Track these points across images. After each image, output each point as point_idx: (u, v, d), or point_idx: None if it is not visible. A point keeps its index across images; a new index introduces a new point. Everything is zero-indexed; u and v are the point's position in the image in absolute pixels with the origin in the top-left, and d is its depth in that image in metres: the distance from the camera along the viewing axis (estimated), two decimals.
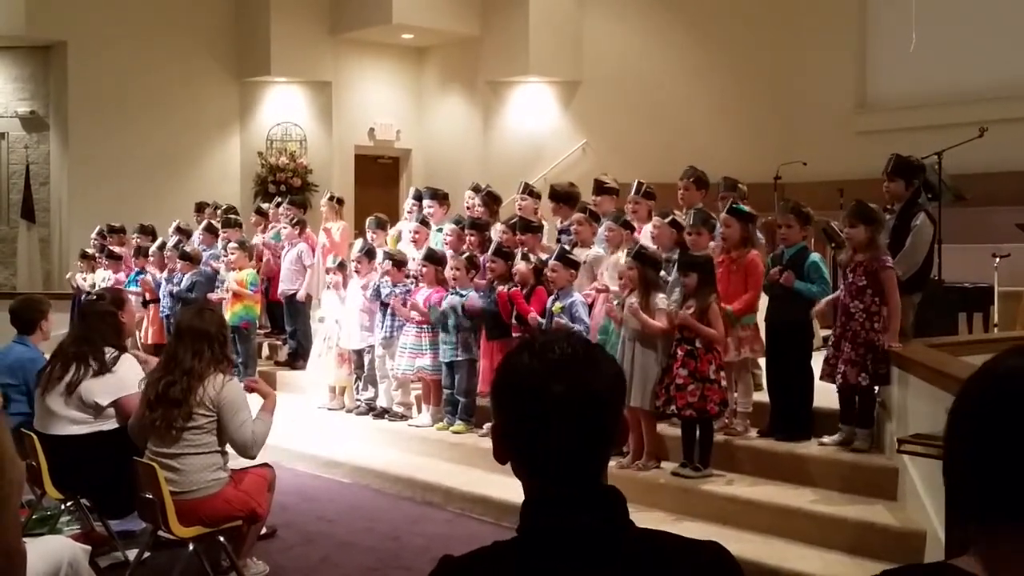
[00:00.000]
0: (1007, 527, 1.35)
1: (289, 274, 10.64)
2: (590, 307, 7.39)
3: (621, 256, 7.15)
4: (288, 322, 10.89)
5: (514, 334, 7.51)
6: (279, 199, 12.18)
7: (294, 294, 10.63)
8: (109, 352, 5.74)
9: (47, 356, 6.57)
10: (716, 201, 8.00)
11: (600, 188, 8.44)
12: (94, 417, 5.66)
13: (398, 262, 8.65)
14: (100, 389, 5.63)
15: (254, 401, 5.29)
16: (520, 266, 7.56)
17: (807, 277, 6.55)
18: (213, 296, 10.22)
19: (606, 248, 7.66)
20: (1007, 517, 1.35)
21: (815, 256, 6.71)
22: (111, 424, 5.69)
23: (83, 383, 5.62)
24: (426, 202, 9.73)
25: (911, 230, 6.77)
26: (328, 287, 9.50)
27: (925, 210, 6.97)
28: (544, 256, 7.78)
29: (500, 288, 7.66)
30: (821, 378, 6.40)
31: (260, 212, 12.13)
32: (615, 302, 6.82)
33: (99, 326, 5.82)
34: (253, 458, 5.19)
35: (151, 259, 11.37)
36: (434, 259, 8.29)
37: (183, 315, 5.40)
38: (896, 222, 6.83)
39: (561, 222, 8.55)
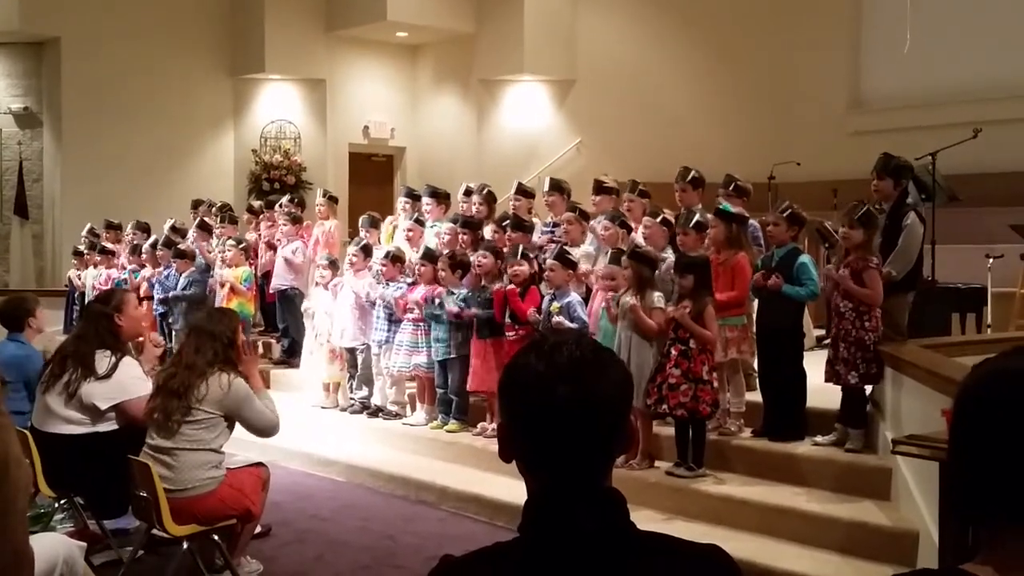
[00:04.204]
0: (1014, 529, 1.35)
1: (282, 270, 10.64)
2: (585, 300, 7.42)
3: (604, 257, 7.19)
4: (280, 318, 10.89)
5: (507, 333, 7.52)
6: (272, 197, 12.17)
7: (286, 290, 10.63)
8: (106, 356, 5.73)
9: (41, 350, 6.58)
10: (715, 200, 8.00)
11: (599, 188, 8.44)
12: (92, 421, 5.65)
13: (396, 258, 8.66)
14: (100, 393, 5.62)
15: None
16: (522, 267, 7.55)
17: (795, 278, 6.57)
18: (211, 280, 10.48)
19: (601, 247, 7.68)
20: (1010, 521, 1.35)
21: (804, 257, 6.72)
22: (109, 426, 5.69)
23: (83, 387, 5.61)
24: (425, 200, 9.73)
25: (902, 230, 6.79)
26: (317, 284, 9.51)
27: (914, 209, 7.00)
28: (531, 254, 7.83)
29: (495, 287, 7.66)
30: (826, 380, 6.41)
31: (252, 211, 12.14)
32: (612, 300, 6.84)
33: (95, 327, 5.83)
34: (278, 431, 5.33)
35: (144, 256, 11.36)
36: (432, 258, 8.30)
37: (201, 314, 5.78)
38: (887, 222, 6.85)
39: (553, 216, 8.58)
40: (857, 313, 6.20)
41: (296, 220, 10.83)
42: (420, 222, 9.44)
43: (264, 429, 5.26)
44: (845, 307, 6.25)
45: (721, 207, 7.02)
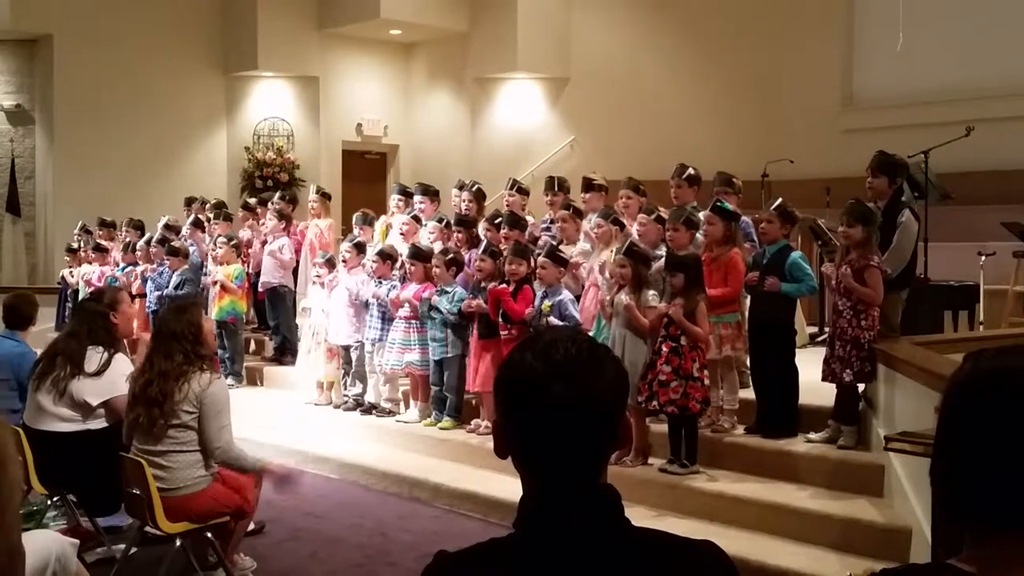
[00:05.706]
0: (997, 533, 1.34)
1: (270, 267, 10.61)
2: (577, 298, 7.41)
3: (610, 254, 7.16)
4: (270, 316, 10.87)
5: (501, 332, 7.51)
6: (266, 195, 12.14)
7: (275, 287, 10.61)
8: (99, 352, 5.71)
9: (35, 350, 6.56)
10: (710, 198, 8.00)
11: (588, 185, 8.46)
12: (83, 417, 5.64)
13: (386, 255, 8.65)
14: (90, 390, 5.61)
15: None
16: (520, 266, 7.53)
17: (789, 276, 6.57)
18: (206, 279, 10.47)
19: (594, 244, 7.67)
20: (995, 526, 1.34)
21: (796, 254, 6.73)
22: (100, 423, 5.68)
23: (73, 383, 5.60)
24: (417, 198, 9.73)
25: (896, 227, 6.81)
26: (313, 282, 9.49)
27: (909, 207, 7.01)
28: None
29: (490, 285, 7.65)
30: (823, 379, 6.41)
31: (248, 207, 12.12)
32: (606, 298, 6.84)
33: (90, 324, 5.82)
34: (215, 462, 5.07)
35: (139, 254, 11.34)
36: (420, 256, 8.29)
37: (161, 314, 5.56)
38: (881, 219, 6.87)
39: (553, 213, 8.60)
40: (855, 312, 6.20)
41: (283, 217, 10.79)
42: (417, 219, 9.44)
43: (211, 446, 4.97)
44: (843, 305, 6.25)
45: (719, 204, 7.01)
